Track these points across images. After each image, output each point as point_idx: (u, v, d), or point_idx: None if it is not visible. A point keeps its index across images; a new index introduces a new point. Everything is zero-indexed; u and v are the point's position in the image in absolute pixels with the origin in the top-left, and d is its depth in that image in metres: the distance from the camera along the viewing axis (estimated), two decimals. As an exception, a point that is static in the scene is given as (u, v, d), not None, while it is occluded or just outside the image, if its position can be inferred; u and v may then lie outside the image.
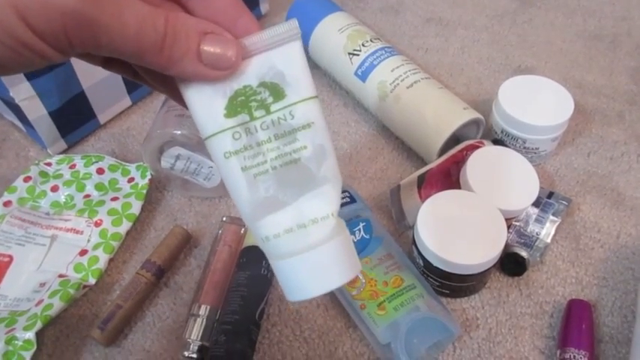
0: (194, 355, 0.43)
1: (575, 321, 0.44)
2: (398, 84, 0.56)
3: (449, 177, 0.52)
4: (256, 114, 0.24)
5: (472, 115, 0.53)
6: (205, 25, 0.23)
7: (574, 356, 0.42)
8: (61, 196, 0.52)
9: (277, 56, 0.24)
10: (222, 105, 0.24)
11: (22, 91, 0.51)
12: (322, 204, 0.25)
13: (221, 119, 0.24)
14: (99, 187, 0.53)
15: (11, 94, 0.50)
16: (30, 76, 0.50)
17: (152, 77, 0.27)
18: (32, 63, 0.21)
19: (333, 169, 0.26)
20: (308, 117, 0.25)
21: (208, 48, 0.23)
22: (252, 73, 0.24)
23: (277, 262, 0.26)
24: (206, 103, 0.25)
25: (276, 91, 0.24)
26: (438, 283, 0.46)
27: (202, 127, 0.25)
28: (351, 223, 0.47)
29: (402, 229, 0.52)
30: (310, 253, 0.25)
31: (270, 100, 0.24)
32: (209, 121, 0.25)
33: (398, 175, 0.56)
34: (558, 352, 0.43)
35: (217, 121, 0.24)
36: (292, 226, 0.25)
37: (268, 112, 0.24)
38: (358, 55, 0.59)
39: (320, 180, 0.25)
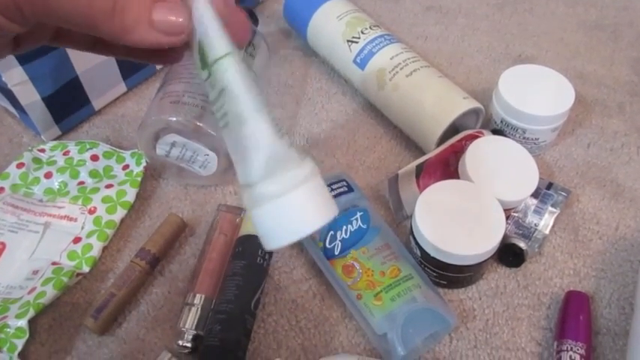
0: (188, 344, 0.43)
1: (573, 313, 0.44)
2: (397, 72, 0.55)
3: (447, 167, 0.51)
4: (211, 70, 0.25)
5: (472, 104, 0.53)
6: None
7: (571, 348, 0.42)
8: (55, 182, 0.52)
9: (196, 10, 0.25)
10: (198, 58, 0.25)
11: (14, 75, 0.50)
12: (252, 171, 0.24)
13: (200, 70, 0.25)
14: (93, 174, 0.52)
15: (3, 78, 0.49)
16: (23, 61, 0.49)
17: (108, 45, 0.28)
18: None
19: (253, 137, 0.24)
20: (221, 80, 0.24)
21: (160, 16, 0.24)
22: (198, 30, 0.25)
23: (251, 211, 0.25)
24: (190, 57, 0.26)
25: (203, 52, 0.25)
26: (435, 274, 0.45)
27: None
28: (348, 213, 0.46)
29: (400, 219, 0.51)
30: (262, 208, 0.24)
31: (205, 59, 0.25)
32: (198, 71, 0.26)
33: (396, 165, 0.56)
34: (555, 343, 0.43)
35: (201, 72, 0.25)
36: (243, 183, 0.25)
37: (210, 71, 0.25)
38: (357, 42, 0.58)
39: (243, 146, 0.25)
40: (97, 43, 0.28)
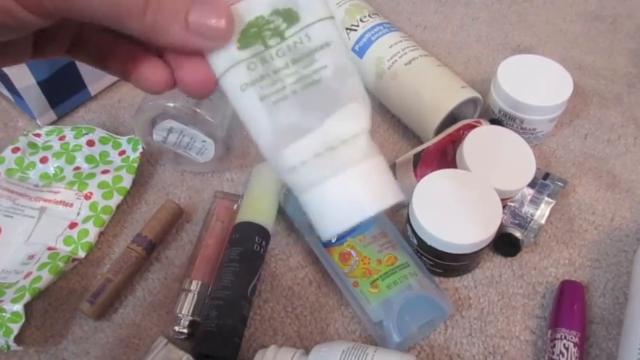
0: (185, 330, 0.43)
1: (568, 302, 0.44)
2: (396, 61, 0.55)
3: (445, 156, 0.51)
4: (270, 42, 0.24)
5: (470, 93, 0.53)
6: None
7: (565, 336, 0.42)
8: (51, 167, 0.51)
9: None
10: (235, 39, 0.24)
11: (9, 58, 0.49)
12: (350, 123, 0.24)
13: (234, 52, 0.23)
14: (89, 159, 0.52)
15: (-2, 61, 0.49)
16: (18, 44, 0.49)
17: (119, 64, 0.26)
18: (11, 27, 0.21)
19: (359, 88, 0.24)
20: (326, 36, 0.24)
21: (197, 17, 0.22)
22: (263, 4, 0.24)
23: (307, 193, 0.24)
24: None
25: (290, 16, 0.24)
26: (431, 262, 0.45)
27: (216, 64, 0.24)
28: (345, 201, 0.46)
29: (397, 207, 0.51)
30: (343, 175, 0.23)
31: (284, 26, 0.24)
32: (222, 57, 0.24)
33: (394, 154, 0.56)
34: (549, 332, 0.43)
35: (230, 56, 0.24)
36: (321, 149, 0.23)
37: (283, 38, 0.24)
38: (356, 30, 0.58)
39: (345, 98, 0.24)
40: (113, 60, 0.26)
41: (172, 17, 0.22)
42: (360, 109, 0.24)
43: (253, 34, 0.23)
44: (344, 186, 0.23)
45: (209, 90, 0.24)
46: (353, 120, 0.24)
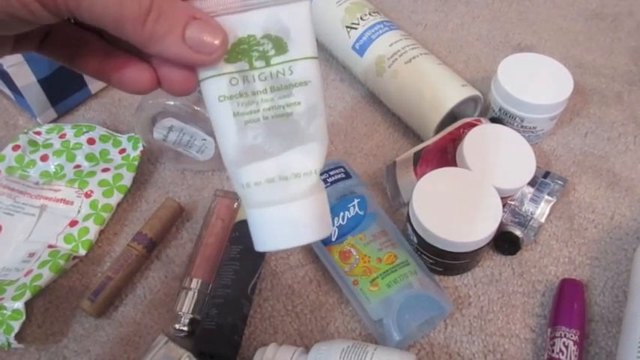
0: (185, 328, 0.43)
1: (567, 300, 0.44)
2: (396, 59, 0.55)
3: (445, 154, 0.51)
4: (256, 64, 0.25)
5: (470, 92, 0.53)
6: (194, 10, 0.23)
7: (564, 334, 0.42)
8: (51, 165, 0.52)
9: (285, 12, 0.25)
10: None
11: (10, 56, 0.49)
12: (307, 160, 0.26)
13: (220, 63, 0.25)
14: (89, 157, 0.52)
15: (-1, 59, 0.49)
16: (18, 42, 0.49)
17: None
18: (20, 19, 0.21)
19: (322, 130, 0.26)
20: (306, 75, 0.25)
21: (194, 31, 0.23)
22: (257, 24, 0.24)
23: (253, 210, 0.26)
24: None
25: (279, 45, 0.25)
26: (431, 261, 0.46)
27: (201, 68, 0.25)
28: (345, 199, 0.46)
29: (397, 206, 0.51)
30: (287, 205, 0.26)
31: (272, 52, 0.25)
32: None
33: (394, 152, 0.56)
34: (549, 330, 0.44)
35: (216, 65, 0.25)
36: (274, 176, 0.26)
37: (268, 64, 0.25)
38: (356, 28, 0.58)
39: (308, 137, 0.26)
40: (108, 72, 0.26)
41: (170, 28, 0.23)
42: (318, 150, 0.26)
43: (242, 51, 0.25)
44: (286, 214, 0.26)
45: (189, 91, 0.25)
46: (310, 158, 0.26)
